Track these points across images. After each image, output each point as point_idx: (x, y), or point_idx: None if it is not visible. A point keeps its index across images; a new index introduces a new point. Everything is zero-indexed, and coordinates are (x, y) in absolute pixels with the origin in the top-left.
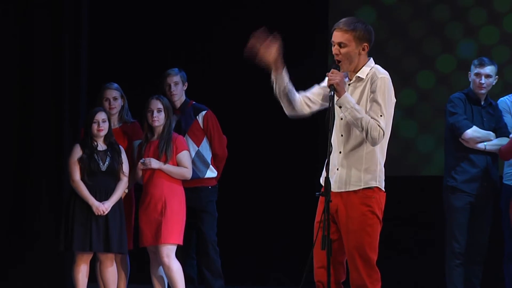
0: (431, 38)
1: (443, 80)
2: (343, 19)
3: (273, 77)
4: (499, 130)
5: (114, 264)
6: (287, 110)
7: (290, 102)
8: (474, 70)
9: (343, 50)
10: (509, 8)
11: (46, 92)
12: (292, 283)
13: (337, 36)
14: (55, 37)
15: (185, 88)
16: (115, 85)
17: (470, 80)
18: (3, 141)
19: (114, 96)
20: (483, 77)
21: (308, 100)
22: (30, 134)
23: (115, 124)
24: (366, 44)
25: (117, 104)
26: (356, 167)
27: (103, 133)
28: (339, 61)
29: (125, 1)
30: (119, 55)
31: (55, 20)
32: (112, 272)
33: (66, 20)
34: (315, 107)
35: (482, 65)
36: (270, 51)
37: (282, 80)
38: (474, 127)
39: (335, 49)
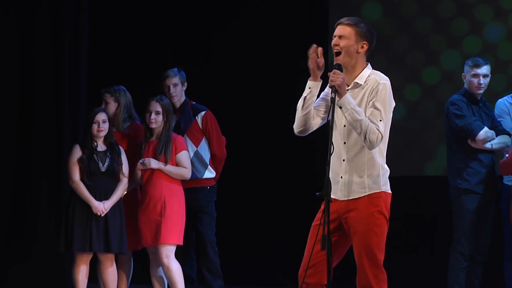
0: (437, 34)
1: (447, 76)
2: (347, 17)
3: (311, 84)
4: (495, 128)
5: (114, 265)
6: (300, 124)
7: (309, 116)
8: (471, 71)
9: (342, 42)
10: None
11: (46, 92)
12: (292, 283)
13: (339, 29)
14: (55, 37)
15: (184, 88)
16: (122, 88)
17: (465, 81)
18: (3, 141)
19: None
20: (481, 78)
21: (315, 115)
22: (30, 134)
23: (119, 127)
24: (365, 42)
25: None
26: (359, 174)
27: (103, 133)
28: (337, 53)
29: (125, 1)
30: (119, 55)
31: (55, 21)
32: (111, 273)
33: (66, 21)
34: (321, 122)
35: (478, 65)
36: (320, 60)
37: (316, 90)
38: (485, 128)
39: (334, 41)
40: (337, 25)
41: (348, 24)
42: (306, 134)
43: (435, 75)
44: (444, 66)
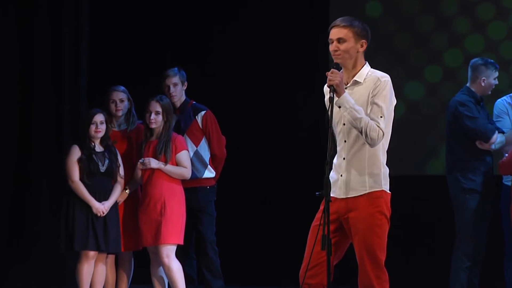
0: (439, 33)
1: (450, 75)
2: (340, 18)
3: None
4: None
5: (104, 266)
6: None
7: None
8: (494, 74)
9: (342, 46)
10: None
11: (46, 92)
12: (292, 283)
13: (335, 33)
14: (55, 37)
15: (184, 88)
16: (122, 87)
17: (483, 83)
18: (3, 141)
19: (121, 98)
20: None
21: None
22: (30, 134)
23: (121, 126)
24: (364, 40)
25: (123, 106)
26: (359, 172)
27: (100, 134)
28: (337, 59)
29: (125, 1)
30: (119, 55)
31: (55, 21)
32: (100, 273)
33: (66, 21)
34: None
35: (497, 69)
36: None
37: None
38: (497, 132)
39: (333, 46)
40: (332, 27)
41: (344, 26)
42: None
43: (437, 74)
44: (447, 64)
